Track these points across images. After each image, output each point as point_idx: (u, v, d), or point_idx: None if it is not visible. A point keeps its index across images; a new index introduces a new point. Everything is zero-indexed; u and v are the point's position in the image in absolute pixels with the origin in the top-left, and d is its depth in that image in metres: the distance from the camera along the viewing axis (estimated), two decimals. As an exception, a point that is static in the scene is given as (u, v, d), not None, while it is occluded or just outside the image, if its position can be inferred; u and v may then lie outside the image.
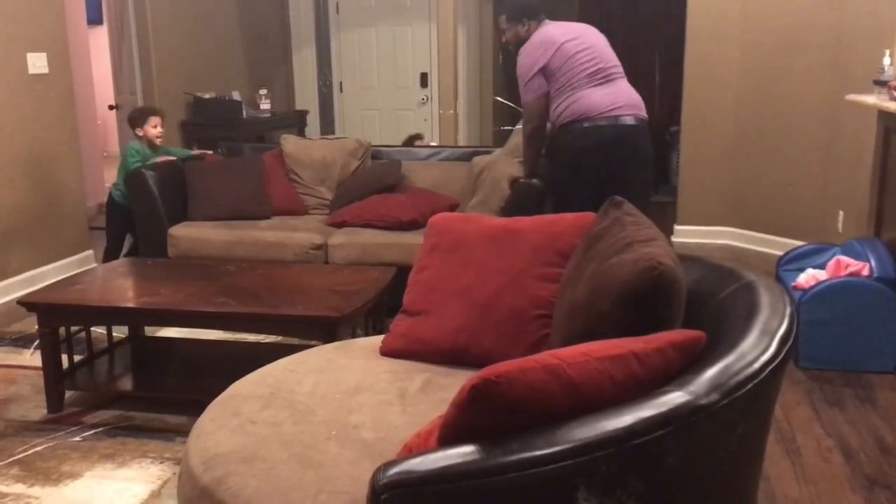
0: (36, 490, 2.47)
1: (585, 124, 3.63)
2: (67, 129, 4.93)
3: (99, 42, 7.51)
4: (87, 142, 6.38)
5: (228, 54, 6.82)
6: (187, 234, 4.20)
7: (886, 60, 3.65)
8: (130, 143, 4.69)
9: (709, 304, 1.73)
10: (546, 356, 1.35)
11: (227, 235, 4.15)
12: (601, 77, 3.68)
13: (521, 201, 3.83)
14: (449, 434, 1.30)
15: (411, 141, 6.06)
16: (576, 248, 2.00)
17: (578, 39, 3.71)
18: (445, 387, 1.98)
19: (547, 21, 3.84)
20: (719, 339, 1.51)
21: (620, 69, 3.78)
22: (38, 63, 4.63)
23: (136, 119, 4.68)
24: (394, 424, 1.80)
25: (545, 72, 3.71)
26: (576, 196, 3.59)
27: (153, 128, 4.63)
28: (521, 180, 3.89)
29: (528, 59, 3.75)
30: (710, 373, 1.36)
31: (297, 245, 4.06)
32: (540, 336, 2.04)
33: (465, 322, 2.16)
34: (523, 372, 1.27)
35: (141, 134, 4.63)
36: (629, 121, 3.67)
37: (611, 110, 3.64)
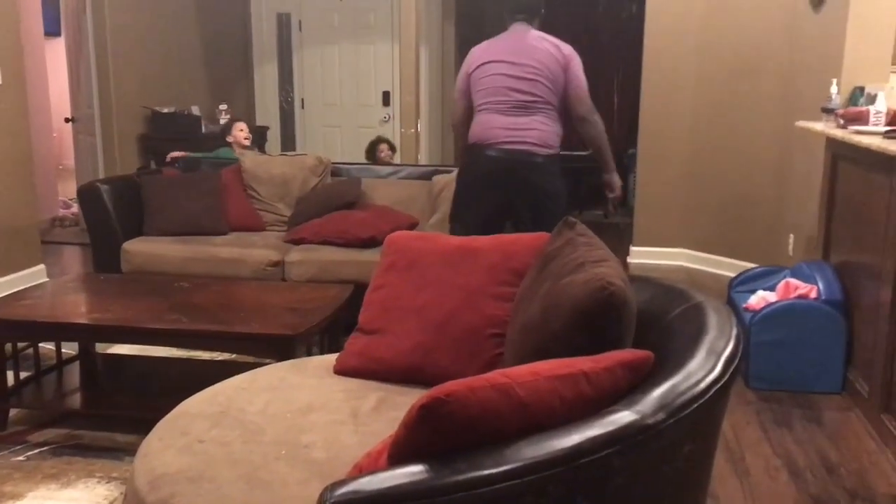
0: (-24, 511, 2.40)
1: (480, 150, 3.50)
2: (20, 142, 4.84)
3: (56, 54, 7.41)
4: (42, 155, 6.27)
5: (188, 69, 6.77)
6: (141, 249, 4.14)
7: (833, 89, 3.76)
8: (221, 149, 5.35)
9: (658, 325, 1.75)
10: (496, 375, 1.36)
11: (183, 251, 4.10)
12: (508, 106, 3.46)
13: None
14: (398, 453, 1.30)
15: (375, 146, 6.05)
16: (530, 268, 2.01)
17: (503, 63, 3.49)
18: (399, 406, 1.97)
19: (502, 35, 3.67)
20: (667, 359, 1.53)
21: (541, 101, 3.47)
22: (-8, 74, 4.55)
23: (226, 128, 5.58)
24: (345, 444, 1.79)
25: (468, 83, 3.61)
26: (460, 219, 3.53)
27: (240, 132, 5.43)
28: None
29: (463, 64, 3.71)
30: (657, 392, 1.38)
31: (254, 262, 4.03)
32: (494, 355, 2.05)
33: (421, 340, 2.16)
34: (473, 391, 1.28)
35: (231, 139, 5.40)
36: (522, 155, 3.43)
37: (506, 142, 3.43)
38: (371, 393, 2.08)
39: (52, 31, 7.61)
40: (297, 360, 2.43)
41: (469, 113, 3.63)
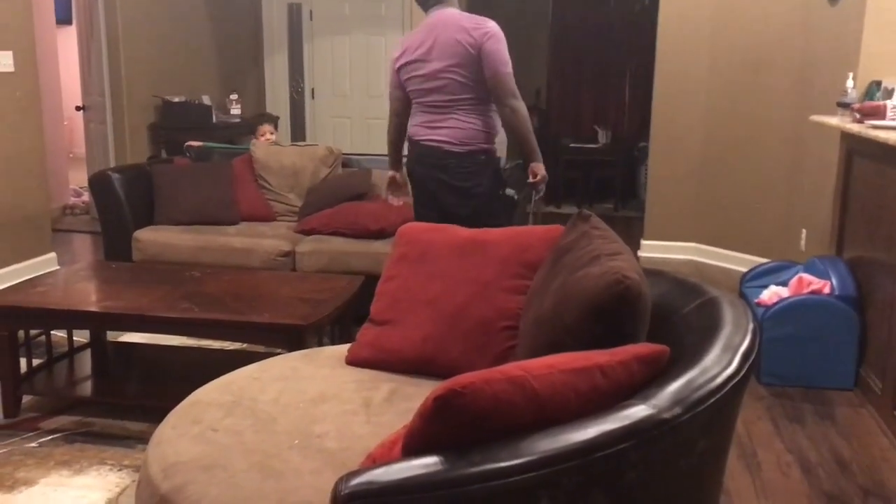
0: (-11, 497, 2.41)
1: (410, 146, 3.42)
2: (32, 130, 4.85)
3: (68, 42, 7.41)
4: (53, 143, 6.28)
5: (199, 58, 6.77)
6: (153, 238, 4.14)
7: (849, 83, 3.73)
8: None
9: (673, 319, 1.74)
10: (511, 368, 1.35)
11: (194, 240, 4.10)
12: (426, 105, 3.32)
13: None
14: (413, 444, 1.30)
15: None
16: (543, 261, 2.01)
17: (416, 62, 3.29)
18: (411, 397, 1.97)
19: (419, 27, 3.38)
20: (683, 354, 1.52)
21: (456, 100, 3.26)
22: (3, 61, 4.55)
23: (253, 129, 5.66)
24: (357, 434, 1.79)
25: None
26: (417, 216, 3.39)
27: (262, 136, 5.34)
28: None
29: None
30: (673, 387, 1.37)
31: (265, 252, 4.03)
32: (506, 347, 2.05)
33: (432, 332, 2.15)
34: (488, 383, 1.27)
35: (255, 141, 5.28)
36: (435, 152, 3.27)
37: (423, 138, 3.31)
38: (383, 384, 2.08)
39: (63, 18, 7.62)
40: (308, 351, 2.43)
41: (400, 105, 3.44)
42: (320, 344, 2.92)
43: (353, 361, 2.24)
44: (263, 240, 4.12)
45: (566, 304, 1.63)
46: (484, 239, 2.26)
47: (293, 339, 2.69)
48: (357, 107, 7.90)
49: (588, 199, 7.62)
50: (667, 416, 1.31)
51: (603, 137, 7.79)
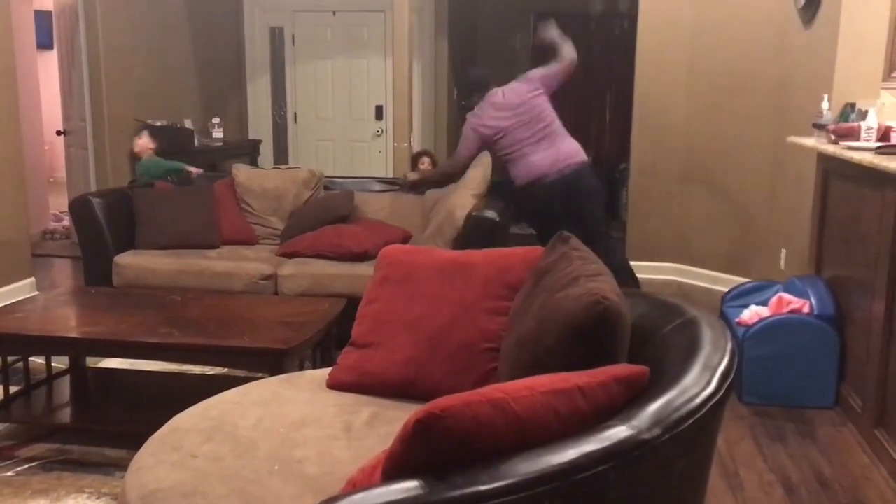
0: (-37, 527, 2.37)
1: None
2: (11, 154, 4.82)
3: (48, 67, 7.39)
4: (33, 167, 6.24)
5: (181, 82, 6.77)
6: (133, 262, 4.11)
7: (825, 105, 3.78)
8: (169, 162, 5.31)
9: (653, 340, 1.75)
10: (491, 390, 1.35)
11: (175, 265, 4.08)
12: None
13: (471, 233, 3.87)
14: (393, 469, 1.29)
15: (417, 157, 5.93)
16: (524, 282, 2.01)
17: None
18: (392, 420, 1.96)
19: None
20: (662, 374, 1.53)
21: None
22: (-17, 86, 4.53)
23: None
24: (338, 459, 1.78)
25: None
26: None
27: (140, 140, 5.40)
28: (474, 213, 3.93)
29: None
30: (653, 407, 1.38)
31: (246, 275, 4.01)
32: (489, 369, 2.05)
33: (414, 354, 2.15)
34: (468, 406, 1.27)
35: (137, 149, 5.42)
36: None
37: None
38: (364, 407, 2.07)
39: (44, 44, 7.61)
40: (289, 375, 2.42)
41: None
42: (301, 368, 2.90)
43: (334, 385, 2.23)
44: (245, 263, 4.10)
45: (547, 326, 1.64)
46: (465, 261, 2.26)
47: (274, 363, 2.68)
48: (339, 130, 7.92)
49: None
50: (647, 436, 1.31)
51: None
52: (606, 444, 1.28)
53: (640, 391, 1.47)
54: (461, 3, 7.95)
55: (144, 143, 5.39)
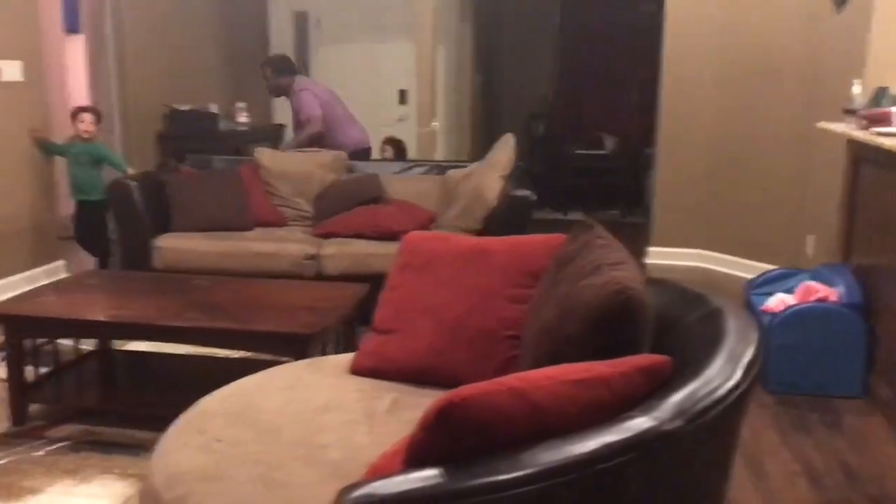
0: (-5, 506, 2.42)
1: None
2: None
3: (76, 51, 7.45)
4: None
5: (207, 66, 6.80)
6: (174, 245, 4.16)
7: (856, 90, 3.72)
8: (82, 144, 4.92)
9: (676, 329, 1.74)
10: (512, 379, 1.35)
11: (217, 246, 4.13)
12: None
13: (507, 213, 3.90)
14: (414, 456, 1.30)
15: (382, 146, 6.01)
16: (546, 269, 2.01)
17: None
18: (413, 407, 1.97)
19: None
20: (685, 365, 1.51)
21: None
22: (11, 71, 4.58)
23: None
24: (360, 444, 1.79)
25: None
26: None
27: (81, 123, 4.90)
28: (511, 193, 3.95)
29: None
30: (676, 398, 1.37)
31: (291, 255, 4.07)
32: (509, 357, 2.04)
33: (435, 342, 2.16)
34: (489, 395, 1.27)
35: (75, 132, 4.94)
36: None
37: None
38: (385, 393, 2.08)
39: (71, 28, 7.66)
40: (312, 360, 2.43)
41: None
42: (325, 352, 2.92)
43: (356, 370, 2.24)
44: (287, 244, 4.16)
45: (568, 315, 1.63)
46: (486, 248, 2.26)
47: (297, 347, 2.69)
48: (363, 114, 7.87)
49: (594, 206, 7.61)
50: (669, 427, 1.30)
51: (609, 144, 7.79)
52: (628, 434, 1.27)
53: (663, 382, 1.46)
54: (486, -14, 7.89)
55: (89, 124, 4.90)
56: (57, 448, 2.79)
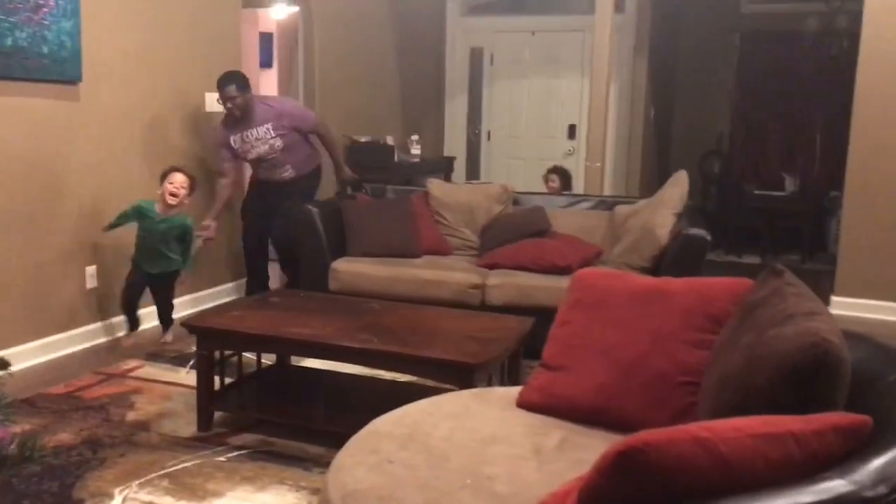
0: (182, 504, 2.61)
1: None
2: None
3: (269, 84, 8.03)
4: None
5: (385, 100, 7.12)
6: (349, 269, 4.37)
7: None
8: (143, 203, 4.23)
9: (875, 388, 1.61)
10: (696, 428, 1.30)
11: (387, 272, 4.30)
12: None
13: (680, 253, 3.79)
14: (589, 499, 1.27)
15: (547, 174, 5.97)
16: (729, 315, 1.93)
17: None
18: (583, 447, 1.94)
19: None
20: (886, 427, 1.40)
21: None
22: (214, 102, 5.00)
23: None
24: (528, 481, 1.78)
25: None
26: None
27: (170, 184, 4.17)
28: (685, 232, 3.85)
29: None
30: (877, 463, 1.27)
31: (456, 284, 4.16)
32: (686, 404, 1.97)
33: (606, 381, 2.12)
34: (672, 442, 1.23)
35: (160, 191, 4.19)
36: None
37: None
38: (553, 430, 2.06)
39: (265, 62, 8.27)
40: (480, 390, 2.46)
41: None
42: (490, 383, 2.94)
43: (523, 405, 2.24)
44: (452, 272, 4.26)
45: (756, 365, 1.56)
46: (664, 288, 2.20)
47: (464, 376, 2.73)
48: (531, 148, 7.99)
49: (772, 250, 7.23)
50: (870, 494, 1.21)
51: (790, 185, 7.39)
52: (823, 497, 1.19)
53: (861, 444, 1.36)
54: (663, 22, 7.77)
55: (180, 187, 4.18)
56: (237, 455, 2.97)
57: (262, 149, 4.90)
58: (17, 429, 1.50)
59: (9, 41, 3.67)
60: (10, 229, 3.82)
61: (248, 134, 4.85)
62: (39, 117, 3.93)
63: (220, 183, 4.94)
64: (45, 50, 3.86)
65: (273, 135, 4.88)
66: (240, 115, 4.75)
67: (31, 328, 3.98)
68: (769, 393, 1.50)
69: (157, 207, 4.20)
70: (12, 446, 1.45)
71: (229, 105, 4.70)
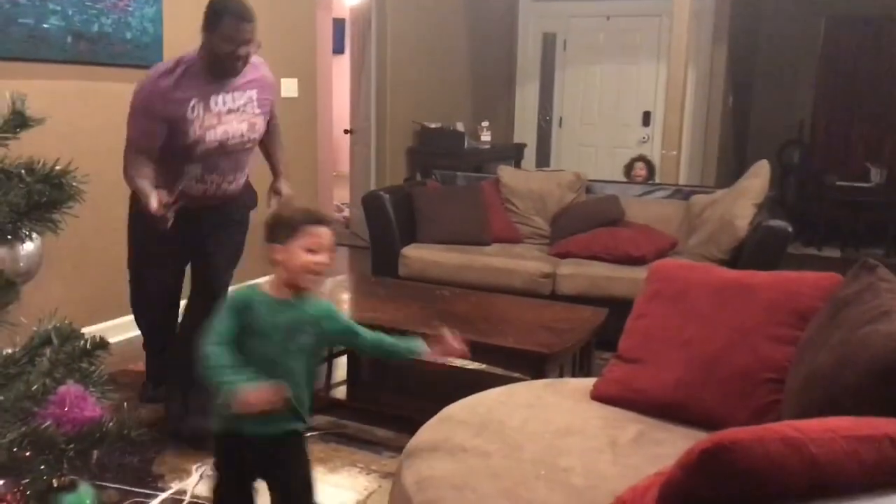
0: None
1: None
2: (308, 150, 5.35)
3: (341, 70, 8.11)
4: (322, 162, 6.87)
5: (456, 87, 7.10)
6: (419, 255, 4.40)
7: None
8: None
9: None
10: (785, 427, 1.26)
11: (457, 259, 4.31)
12: None
13: (760, 244, 3.69)
14: (671, 496, 1.25)
15: (632, 163, 5.94)
16: (818, 311, 1.86)
17: None
18: (660, 441, 1.91)
19: None
20: None
21: None
22: (290, 88, 5.07)
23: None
24: (604, 474, 1.76)
25: None
26: None
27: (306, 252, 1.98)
28: (765, 223, 3.74)
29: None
30: (983, 472, 1.20)
31: (527, 272, 4.14)
32: (769, 401, 1.91)
33: (685, 376, 2.07)
34: (760, 442, 1.19)
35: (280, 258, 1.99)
36: None
37: None
38: (629, 424, 2.03)
39: (337, 49, 8.35)
40: (553, 380, 2.44)
41: None
42: (562, 374, 2.92)
43: (598, 397, 2.21)
44: (524, 261, 4.24)
45: (847, 363, 1.50)
46: (748, 282, 2.14)
47: (536, 365, 2.72)
48: (603, 135, 7.86)
49: (854, 243, 6.96)
50: (972, 503, 1.15)
51: (876, 176, 7.09)
52: (922, 505, 1.14)
53: (963, 451, 1.29)
54: (744, 7, 7.53)
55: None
56: (309, 436, 2.98)
57: (236, 128, 2.89)
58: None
59: (95, 27, 3.79)
60: (98, 209, 3.95)
61: (224, 99, 2.85)
62: (124, 101, 4.04)
63: (136, 182, 2.88)
64: (129, 35, 3.97)
65: (258, 109, 2.97)
66: (237, 71, 2.84)
67: (114, 305, 4.11)
68: (861, 392, 1.44)
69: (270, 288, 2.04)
70: (111, 423, 1.49)
71: (241, 51, 2.76)
